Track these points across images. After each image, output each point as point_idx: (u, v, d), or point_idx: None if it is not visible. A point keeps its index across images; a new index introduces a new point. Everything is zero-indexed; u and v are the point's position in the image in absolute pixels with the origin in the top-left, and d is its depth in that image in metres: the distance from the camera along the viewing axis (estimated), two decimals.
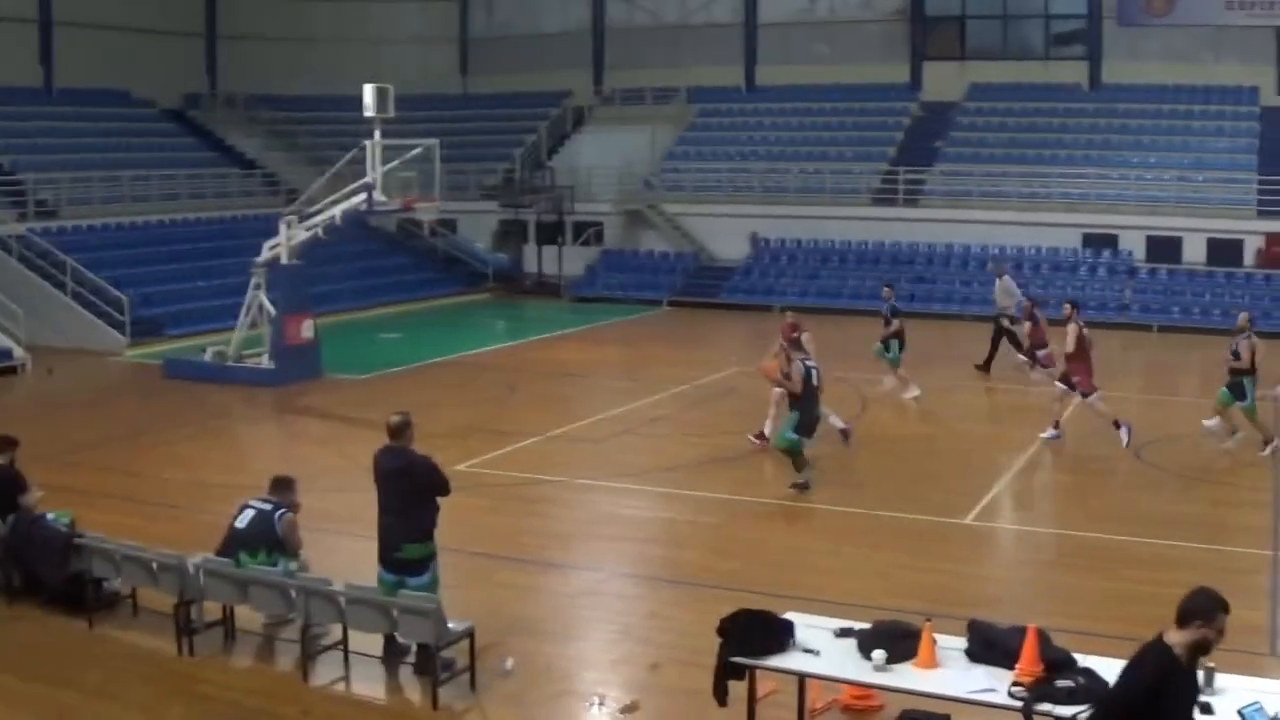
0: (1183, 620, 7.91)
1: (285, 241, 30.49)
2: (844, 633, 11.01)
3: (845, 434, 23.53)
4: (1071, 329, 23.93)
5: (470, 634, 13.06)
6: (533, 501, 20.69)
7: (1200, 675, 9.55)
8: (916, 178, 46.97)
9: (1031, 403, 27.80)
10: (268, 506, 14.26)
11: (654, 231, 50.44)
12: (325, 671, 13.47)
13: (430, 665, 12.80)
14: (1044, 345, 28.92)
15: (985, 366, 32.04)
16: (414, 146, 31.05)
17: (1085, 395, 23.78)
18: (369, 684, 13.34)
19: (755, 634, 10.82)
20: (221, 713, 12.54)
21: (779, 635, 10.80)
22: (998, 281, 33.06)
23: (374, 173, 29.42)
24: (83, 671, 13.41)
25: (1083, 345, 23.80)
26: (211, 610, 14.19)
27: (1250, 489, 20.52)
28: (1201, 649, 7.96)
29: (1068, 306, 24.81)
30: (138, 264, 40.36)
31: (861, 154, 49.49)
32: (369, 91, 29.37)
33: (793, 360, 20.75)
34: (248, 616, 14.35)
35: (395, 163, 30.37)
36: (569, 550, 18.29)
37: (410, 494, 13.08)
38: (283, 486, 14.58)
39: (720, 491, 20.94)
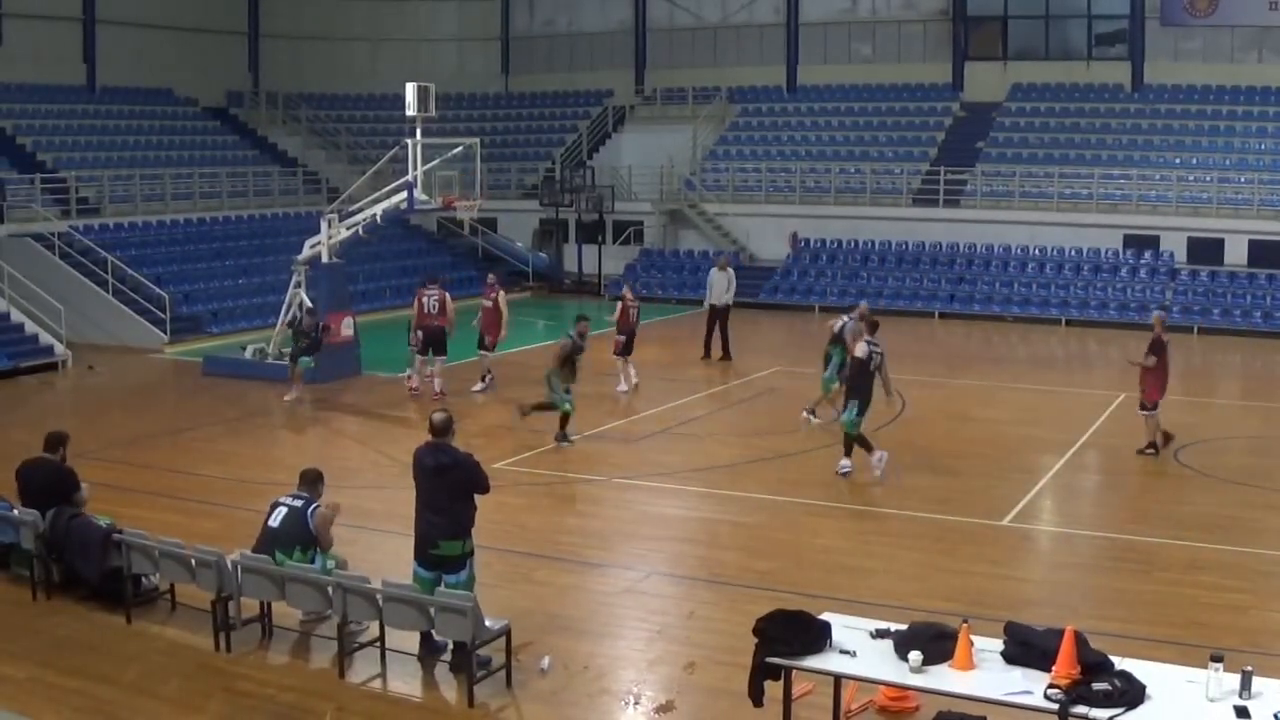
0: None
1: (326, 240, 30.54)
2: (880, 634, 10.97)
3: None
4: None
5: (507, 632, 13.09)
6: (570, 500, 20.72)
7: (1237, 678, 9.53)
8: (958, 178, 46.82)
9: (1071, 404, 27.73)
10: (299, 502, 14.29)
11: (694, 231, 50.42)
12: (361, 668, 13.51)
13: (466, 663, 12.82)
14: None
15: (727, 354, 33.96)
16: (455, 145, 31.12)
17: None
18: (405, 681, 13.37)
19: (792, 634, 10.79)
20: (258, 708, 12.58)
21: (816, 636, 10.77)
22: (720, 272, 34.48)
23: (415, 171, 29.48)
24: (120, 667, 13.47)
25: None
26: (249, 607, 14.23)
27: None
28: None
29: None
30: (179, 261, 40.62)
31: (903, 154, 49.41)
32: (411, 90, 29.43)
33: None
34: (285, 613, 14.41)
35: (436, 161, 30.45)
36: (606, 549, 18.29)
37: (453, 491, 13.11)
38: (312, 480, 14.62)
39: (758, 491, 20.92)
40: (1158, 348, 23.03)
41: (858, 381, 21.10)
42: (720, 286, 33.81)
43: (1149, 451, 22.99)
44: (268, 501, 14.97)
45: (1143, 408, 23.18)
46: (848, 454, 21.35)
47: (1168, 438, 23.36)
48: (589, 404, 28.65)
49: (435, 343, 28.66)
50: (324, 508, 14.35)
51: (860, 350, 21.06)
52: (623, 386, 29.60)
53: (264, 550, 14.07)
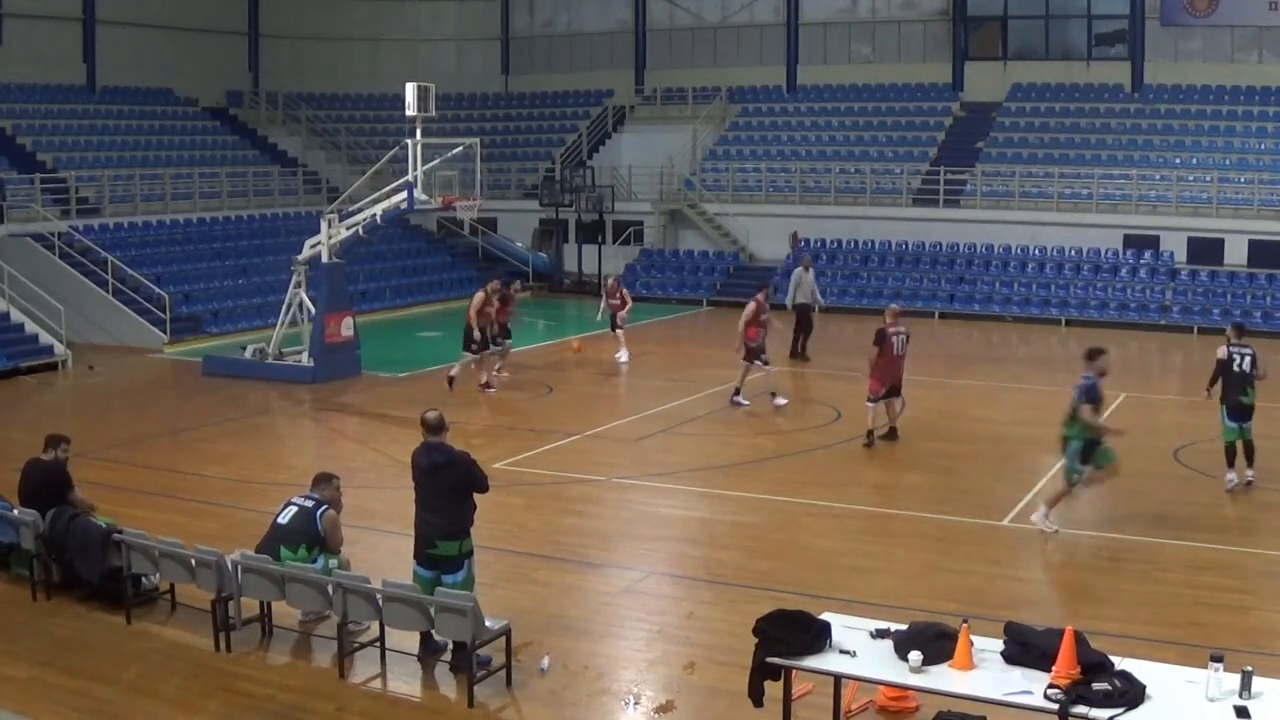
0: None
1: (326, 240, 30.54)
2: (880, 634, 10.96)
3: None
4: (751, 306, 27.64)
5: (507, 632, 13.09)
6: (570, 500, 20.69)
7: (1237, 678, 9.53)
8: (957, 178, 46.79)
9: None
10: (309, 503, 14.32)
11: (694, 231, 50.44)
12: (362, 668, 13.52)
13: (466, 663, 12.83)
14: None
15: (802, 353, 34.10)
16: (455, 145, 31.15)
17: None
18: (405, 681, 13.37)
19: (792, 634, 10.78)
20: (258, 709, 12.58)
21: (816, 636, 10.75)
22: (805, 272, 34.73)
23: (415, 171, 29.47)
24: (120, 667, 13.47)
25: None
26: (249, 606, 14.24)
27: None
28: None
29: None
30: (178, 261, 40.64)
31: (902, 154, 49.39)
32: (410, 90, 29.39)
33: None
34: (285, 613, 14.42)
35: (436, 161, 30.46)
36: (606, 549, 18.30)
37: (449, 489, 13.10)
38: (324, 483, 14.64)
39: (757, 491, 20.91)
40: (879, 338, 23.77)
41: (1224, 385, 20.59)
42: (807, 285, 33.99)
43: (866, 443, 23.78)
44: (268, 501, 15.02)
45: (869, 399, 23.94)
46: (1230, 465, 20.85)
47: (893, 431, 24.26)
48: (589, 404, 28.67)
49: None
50: (333, 510, 14.38)
51: (1221, 352, 20.72)
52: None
53: (269, 546, 14.11)
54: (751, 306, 27.68)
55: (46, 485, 15.81)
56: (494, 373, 30.07)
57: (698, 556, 17.85)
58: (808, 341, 34.08)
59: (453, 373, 29.44)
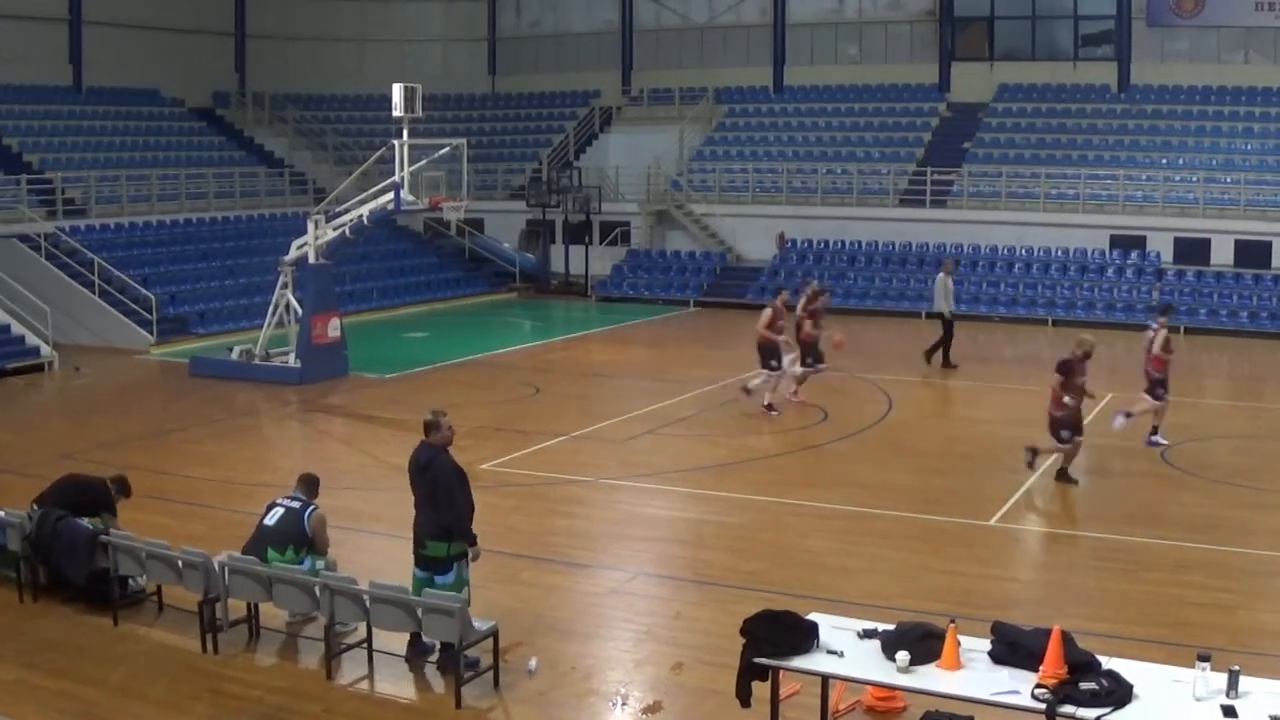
0: None
1: (313, 240, 30.50)
2: (868, 634, 10.97)
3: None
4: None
5: (494, 633, 13.08)
6: (558, 501, 20.67)
7: (1224, 678, 9.54)
8: (944, 179, 46.82)
9: None
10: (296, 504, 14.34)
11: (681, 232, 50.41)
12: (349, 670, 13.50)
13: (454, 664, 12.81)
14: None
15: (947, 361, 32.57)
16: (442, 146, 31.09)
17: None
18: (393, 682, 13.35)
19: (779, 635, 10.79)
20: (245, 710, 12.56)
21: (803, 636, 10.76)
22: (947, 276, 33.34)
23: (402, 172, 29.43)
24: (107, 668, 13.44)
25: None
26: (236, 608, 14.21)
27: (1276, 491, 20.45)
28: None
29: None
30: (165, 263, 40.51)
31: (889, 155, 49.39)
32: (398, 91, 29.34)
33: None
34: (272, 614, 14.40)
35: (423, 162, 30.39)
36: (593, 550, 18.29)
37: (430, 488, 13.17)
38: (310, 484, 14.64)
39: (744, 492, 20.91)
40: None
41: None
42: (950, 292, 32.82)
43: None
44: (254, 503, 14.98)
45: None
46: None
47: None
48: (576, 405, 28.64)
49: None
50: (320, 511, 14.38)
51: None
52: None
53: (256, 547, 14.10)
54: (1163, 335, 25.46)
55: (86, 501, 15.78)
56: (791, 395, 27.95)
57: (685, 557, 17.85)
58: (949, 350, 32.64)
59: (751, 385, 27.33)
